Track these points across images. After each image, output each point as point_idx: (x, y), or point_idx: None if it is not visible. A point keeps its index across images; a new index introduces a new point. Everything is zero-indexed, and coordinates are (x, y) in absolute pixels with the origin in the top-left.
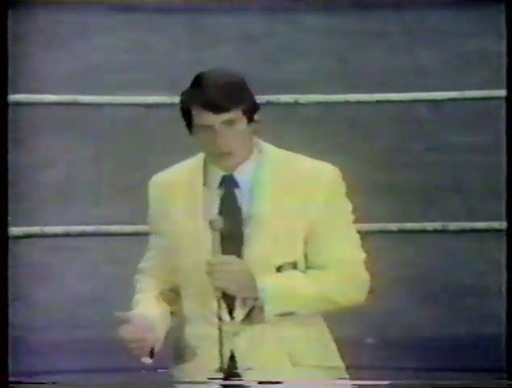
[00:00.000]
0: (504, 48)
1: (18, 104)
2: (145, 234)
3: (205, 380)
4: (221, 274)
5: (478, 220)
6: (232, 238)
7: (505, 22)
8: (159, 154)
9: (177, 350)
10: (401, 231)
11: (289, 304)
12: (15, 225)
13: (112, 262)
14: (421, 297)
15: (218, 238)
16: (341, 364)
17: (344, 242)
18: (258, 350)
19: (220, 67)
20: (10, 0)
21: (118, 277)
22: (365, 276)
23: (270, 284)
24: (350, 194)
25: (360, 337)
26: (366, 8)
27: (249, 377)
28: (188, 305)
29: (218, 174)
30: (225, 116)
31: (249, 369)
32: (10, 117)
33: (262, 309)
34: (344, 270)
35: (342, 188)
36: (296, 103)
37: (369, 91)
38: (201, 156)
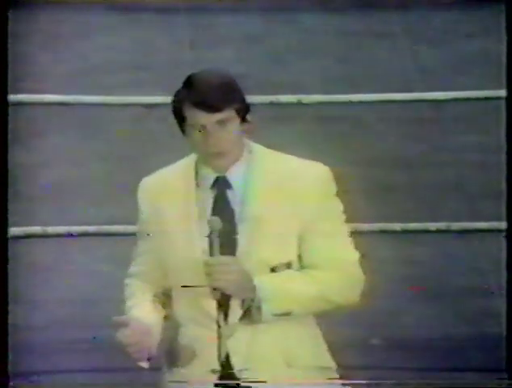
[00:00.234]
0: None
1: (20, 104)
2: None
3: (201, 381)
4: (219, 274)
5: (481, 220)
6: (225, 239)
7: (505, 22)
8: (160, 154)
9: (170, 353)
10: (405, 231)
11: (286, 304)
12: (17, 225)
13: (113, 262)
14: (424, 297)
15: (217, 239)
16: (333, 364)
17: (338, 242)
18: (252, 351)
19: (211, 68)
20: (10, 0)
21: (119, 277)
22: (360, 274)
23: (267, 284)
24: (353, 194)
25: (363, 337)
26: (368, 8)
27: (244, 378)
28: (180, 308)
29: (210, 175)
30: (218, 116)
31: (244, 370)
32: (11, 117)
33: (259, 309)
34: (339, 269)
35: (334, 188)
36: (299, 103)
37: (372, 91)
38: (192, 157)
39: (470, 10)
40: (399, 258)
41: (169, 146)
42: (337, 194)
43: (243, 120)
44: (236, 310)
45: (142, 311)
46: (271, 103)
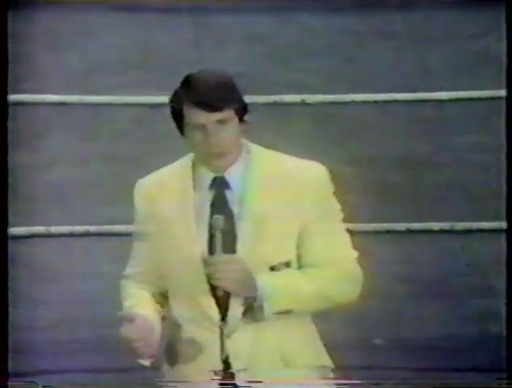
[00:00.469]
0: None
1: (22, 104)
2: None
3: (201, 380)
4: (221, 273)
5: (484, 220)
6: (224, 239)
7: (505, 22)
8: (163, 154)
9: (168, 353)
10: (408, 231)
11: (288, 302)
12: (20, 225)
13: (115, 262)
14: (427, 297)
15: (220, 237)
16: (330, 363)
17: (336, 241)
18: (250, 351)
19: (209, 68)
20: (11, 0)
21: (121, 277)
22: (359, 272)
23: (269, 283)
24: (356, 194)
25: (365, 337)
26: (371, 8)
27: (242, 377)
28: (178, 309)
29: (208, 175)
30: (218, 116)
31: (242, 369)
32: (13, 117)
33: (260, 307)
34: (338, 267)
35: (331, 187)
36: (303, 103)
37: (374, 91)
38: (189, 158)
39: (473, 9)
40: (402, 258)
41: (172, 146)
42: (339, 194)
43: (241, 120)
44: (236, 310)
45: (144, 309)
46: (275, 103)
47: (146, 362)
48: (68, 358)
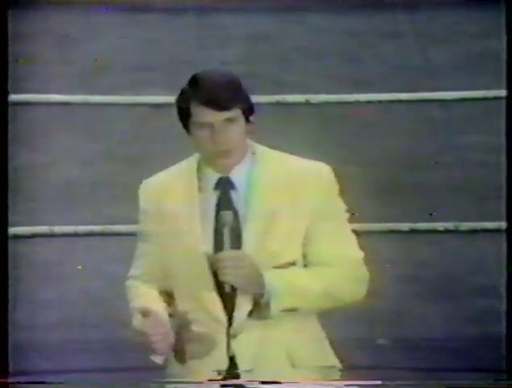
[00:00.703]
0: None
1: (27, 104)
2: None
3: (205, 381)
4: (230, 269)
5: (489, 220)
6: (231, 236)
7: (505, 22)
8: (167, 155)
9: (175, 352)
10: (413, 231)
11: (295, 299)
12: (23, 224)
13: (119, 261)
14: (431, 297)
15: (228, 233)
16: (337, 363)
17: (342, 240)
18: (257, 352)
19: (215, 68)
20: (12, 0)
21: (125, 277)
22: (365, 272)
23: (277, 280)
24: (360, 194)
25: (369, 337)
26: (375, 8)
27: (248, 378)
28: (184, 309)
29: (213, 176)
30: (226, 114)
31: (248, 370)
32: (18, 117)
33: (267, 304)
34: (345, 267)
35: (336, 187)
36: (307, 103)
37: (379, 91)
38: (194, 159)
39: (478, 9)
40: (407, 258)
41: (176, 147)
42: (344, 194)
43: (247, 120)
44: (242, 310)
45: (155, 305)
46: (278, 103)
47: (159, 359)
48: (70, 358)
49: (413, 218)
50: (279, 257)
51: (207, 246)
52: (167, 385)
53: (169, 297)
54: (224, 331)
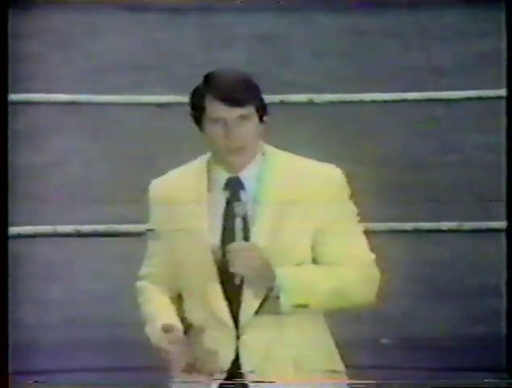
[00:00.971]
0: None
1: (32, 103)
2: None
3: (201, 381)
4: (241, 260)
5: (493, 219)
6: (241, 231)
7: (504, 22)
8: (171, 154)
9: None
10: (416, 231)
11: (305, 295)
12: (27, 224)
13: (123, 261)
14: (436, 296)
15: (240, 224)
16: (342, 367)
17: (353, 242)
18: (261, 353)
19: (230, 67)
20: (12, 0)
21: (128, 276)
22: (376, 274)
23: (288, 274)
24: (364, 193)
25: (373, 337)
26: (379, 8)
27: (252, 378)
28: (191, 310)
29: (223, 176)
30: (240, 111)
31: (252, 371)
32: (22, 116)
33: (276, 299)
34: (356, 267)
35: (347, 190)
36: (311, 103)
37: (383, 91)
38: (204, 158)
39: (482, 9)
40: (410, 257)
41: (180, 146)
42: (350, 194)
43: (261, 119)
44: (248, 307)
45: (171, 318)
46: (282, 103)
47: (178, 374)
48: (73, 357)
49: (417, 218)
50: (287, 259)
51: (216, 244)
52: (168, 385)
53: (177, 301)
54: (229, 331)
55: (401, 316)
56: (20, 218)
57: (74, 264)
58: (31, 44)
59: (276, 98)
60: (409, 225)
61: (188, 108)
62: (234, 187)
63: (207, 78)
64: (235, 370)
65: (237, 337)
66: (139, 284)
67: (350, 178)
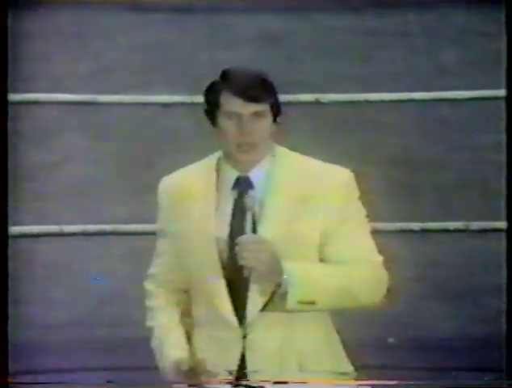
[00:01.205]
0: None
1: (37, 103)
2: None
3: (211, 381)
4: (251, 253)
5: (500, 219)
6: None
7: (504, 22)
8: (177, 154)
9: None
10: (423, 231)
11: (313, 292)
12: (34, 223)
13: (129, 260)
14: (442, 296)
15: (250, 217)
16: (350, 369)
17: (361, 243)
18: (265, 353)
19: (246, 65)
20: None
21: (135, 276)
22: (385, 276)
23: (296, 269)
24: (371, 194)
25: (379, 337)
26: (386, 7)
27: (256, 379)
28: (197, 308)
29: (232, 174)
30: (256, 107)
31: (255, 371)
32: (28, 116)
33: (284, 296)
34: (364, 268)
35: (357, 192)
36: (317, 103)
37: (390, 91)
38: (214, 157)
39: (488, 8)
40: (417, 257)
41: (186, 146)
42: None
43: (275, 119)
44: (254, 305)
45: (182, 349)
46: (289, 103)
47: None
48: (78, 357)
49: (424, 218)
50: (295, 257)
51: (223, 241)
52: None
53: (186, 297)
54: (234, 330)
55: (408, 316)
56: (27, 218)
57: (80, 264)
58: (37, 44)
59: (283, 98)
60: (415, 225)
61: (194, 108)
62: (243, 186)
63: (224, 74)
64: (241, 370)
65: (243, 337)
66: (146, 286)
67: (357, 178)
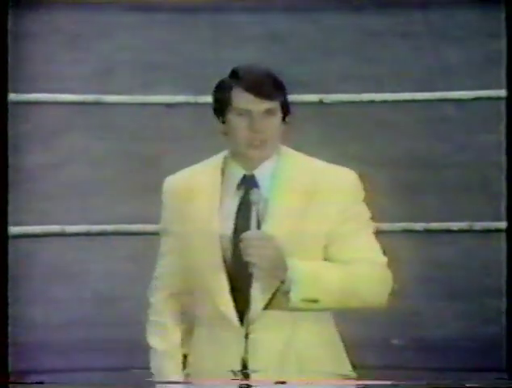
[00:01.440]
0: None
1: (40, 103)
2: None
3: (201, 380)
4: (255, 249)
5: (504, 220)
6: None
7: (504, 22)
8: (180, 154)
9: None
10: (427, 231)
11: (316, 290)
12: (35, 223)
13: (132, 261)
14: (446, 297)
15: (255, 213)
16: (349, 371)
17: (367, 245)
18: (269, 353)
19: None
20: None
21: (137, 276)
22: (389, 277)
23: (300, 266)
24: (375, 194)
25: (383, 337)
26: (391, 7)
27: (256, 378)
28: (200, 307)
29: (238, 172)
30: (267, 105)
31: (256, 371)
32: (31, 117)
33: (287, 294)
34: (369, 268)
35: (361, 194)
36: (321, 103)
37: (394, 91)
38: (220, 156)
39: (493, 8)
40: (421, 258)
41: (188, 146)
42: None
43: (284, 118)
44: (257, 303)
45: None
46: (292, 103)
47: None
48: (80, 357)
49: (428, 218)
50: (298, 256)
51: (227, 238)
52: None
53: (188, 298)
54: (236, 329)
55: (412, 316)
56: (29, 218)
57: (83, 264)
58: (40, 45)
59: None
60: (419, 226)
61: (197, 108)
62: (249, 183)
63: (235, 72)
64: (242, 370)
65: (245, 336)
66: (151, 298)
67: (360, 178)
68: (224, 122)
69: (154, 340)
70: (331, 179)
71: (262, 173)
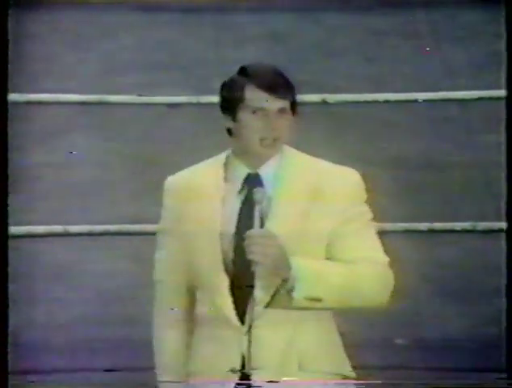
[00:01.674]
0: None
1: (44, 103)
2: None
3: (201, 380)
4: (258, 247)
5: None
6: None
7: (504, 22)
8: (183, 154)
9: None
10: (430, 231)
11: (319, 288)
12: (38, 223)
13: (135, 261)
14: (449, 297)
15: (259, 211)
16: (349, 372)
17: (369, 244)
18: (269, 353)
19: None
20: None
21: (140, 276)
22: (391, 276)
23: (303, 264)
24: (378, 194)
25: (387, 337)
26: (393, 7)
27: (257, 377)
28: (201, 306)
29: (242, 171)
30: (281, 103)
31: (255, 369)
32: (34, 117)
33: (289, 292)
34: (371, 268)
35: (364, 194)
36: (324, 103)
37: (397, 91)
38: (222, 155)
39: (497, 8)
40: (424, 257)
41: (190, 146)
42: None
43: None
44: (257, 306)
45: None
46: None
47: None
48: (82, 357)
49: (431, 218)
50: (301, 255)
51: (229, 237)
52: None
53: (192, 296)
54: (236, 329)
55: (415, 316)
56: (32, 218)
57: (86, 264)
58: (41, 44)
59: None
60: (422, 226)
61: (199, 108)
62: (253, 182)
63: (245, 70)
64: (242, 369)
65: (245, 335)
66: (157, 308)
67: (363, 178)
68: (234, 120)
69: (158, 342)
70: (334, 178)
71: (266, 172)
